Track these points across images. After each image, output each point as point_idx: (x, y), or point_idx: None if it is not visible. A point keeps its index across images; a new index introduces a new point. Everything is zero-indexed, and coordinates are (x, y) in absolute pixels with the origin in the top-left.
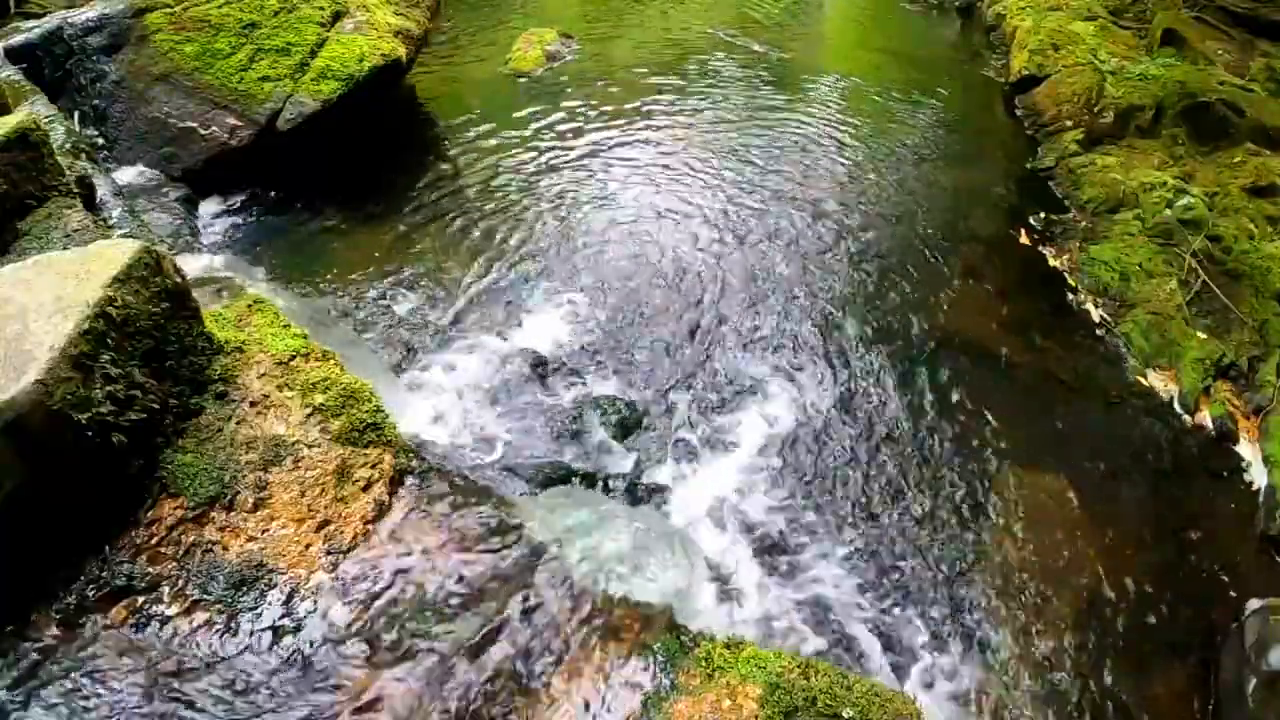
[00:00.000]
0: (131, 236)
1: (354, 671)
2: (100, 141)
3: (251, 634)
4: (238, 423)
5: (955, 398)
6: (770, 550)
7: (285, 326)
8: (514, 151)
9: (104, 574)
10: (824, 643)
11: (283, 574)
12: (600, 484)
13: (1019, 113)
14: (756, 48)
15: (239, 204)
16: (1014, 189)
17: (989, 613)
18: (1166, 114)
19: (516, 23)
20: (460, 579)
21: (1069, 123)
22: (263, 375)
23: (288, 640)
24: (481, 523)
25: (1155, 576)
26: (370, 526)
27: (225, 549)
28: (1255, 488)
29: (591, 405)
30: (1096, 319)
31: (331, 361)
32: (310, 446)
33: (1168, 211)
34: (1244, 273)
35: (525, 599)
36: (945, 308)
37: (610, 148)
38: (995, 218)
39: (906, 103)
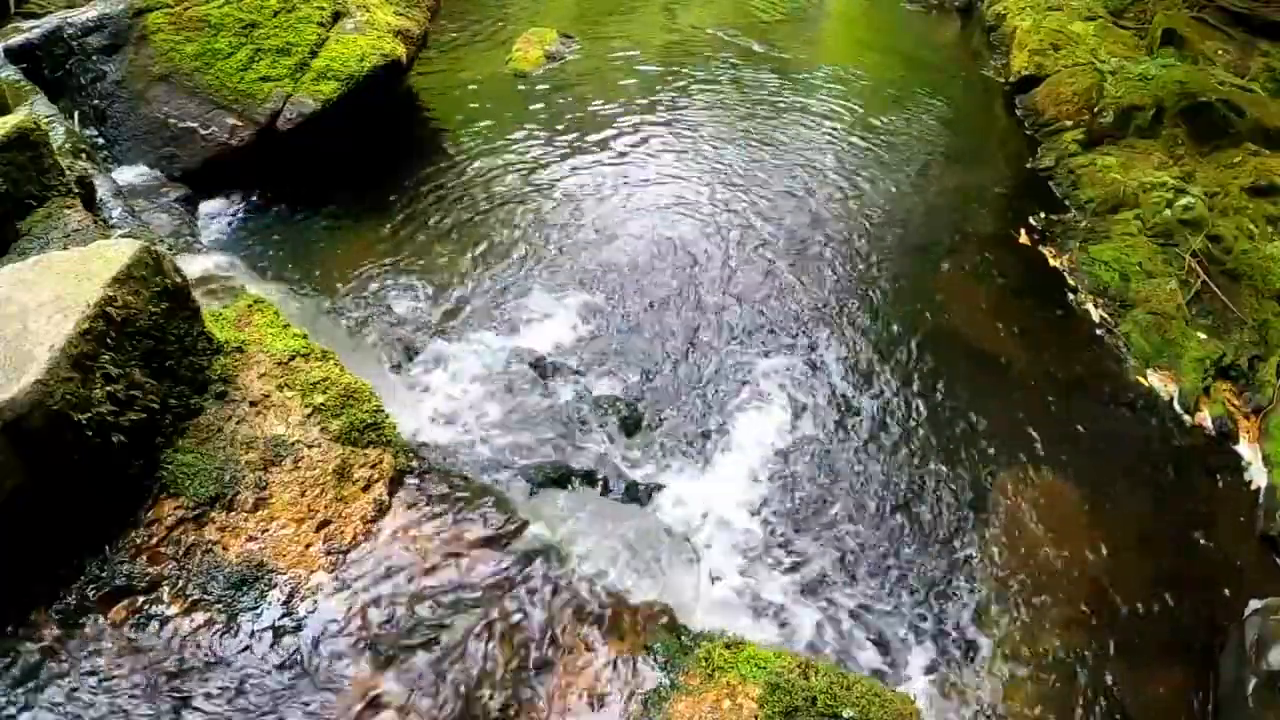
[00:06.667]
0: (131, 236)
1: (354, 671)
2: (100, 141)
3: (251, 634)
4: (238, 423)
5: (955, 398)
6: (770, 550)
7: (285, 326)
8: (514, 151)
9: (104, 574)
10: (824, 642)
11: (283, 574)
12: (600, 484)
13: (1019, 113)
14: (756, 47)
15: (239, 204)
16: (1014, 189)
17: (989, 613)
18: (1166, 114)
19: (516, 23)
20: (460, 579)
21: (1069, 123)
22: (263, 375)
23: (288, 640)
24: (481, 523)
25: (1155, 576)
26: (370, 526)
27: (225, 549)
28: (1255, 488)
29: (592, 405)
30: (1096, 319)
31: (331, 361)
32: (310, 446)
33: (1168, 211)
34: (1244, 273)
35: (525, 599)
36: (945, 308)
37: (610, 148)
38: (995, 218)
39: (906, 103)
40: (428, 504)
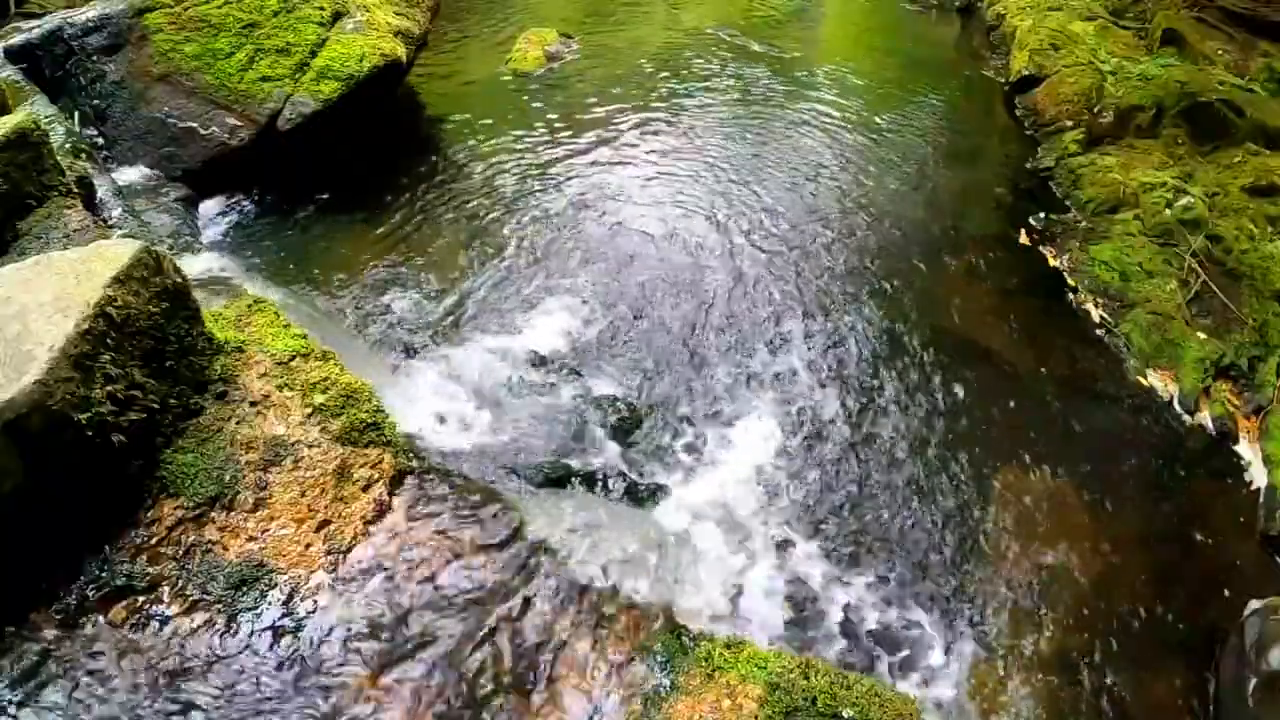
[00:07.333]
0: (131, 236)
1: (354, 671)
2: (100, 141)
3: (251, 634)
4: (238, 423)
5: (955, 398)
6: (769, 549)
7: (285, 326)
8: (514, 152)
9: (104, 574)
10: (823, 642)
11: (283, 574)
12: (600, 484)
13: (1019, 113)
14: (756, 47)
15: (239, 204)
16: (1014, 189)
17: (989, 613)
18: (1166, 114)
19: (516, 23)
20: (460, 579)
21: (1069, 123)
22: (263, 375)
23: (288, 640)
24: (481, 523)
25: (1155, 576)
26: (370, 526)
27: (225, 549)
28: (1255, 488)
29: (591, 405)
30: (1096, 319)
31: (331, 361)
32: (310, 446)
33: (1168, 211)
34: (1244, 273)
35: (525, 599)
36: (945, 308)
37: (610, 148)
38: (995, 218)
39: (906, 103)
40: (428, 504)
